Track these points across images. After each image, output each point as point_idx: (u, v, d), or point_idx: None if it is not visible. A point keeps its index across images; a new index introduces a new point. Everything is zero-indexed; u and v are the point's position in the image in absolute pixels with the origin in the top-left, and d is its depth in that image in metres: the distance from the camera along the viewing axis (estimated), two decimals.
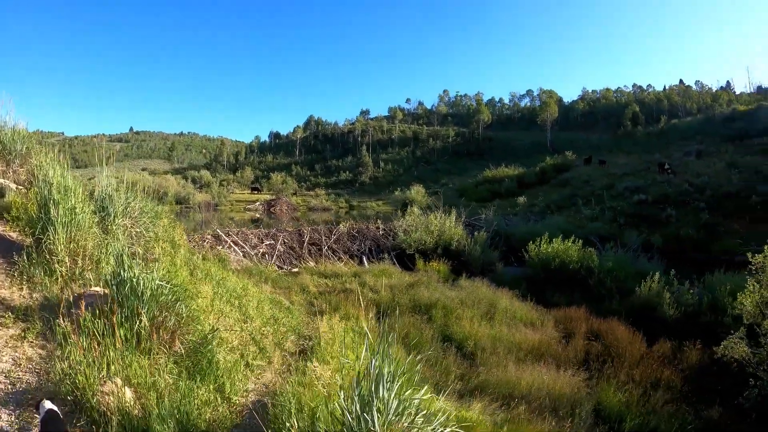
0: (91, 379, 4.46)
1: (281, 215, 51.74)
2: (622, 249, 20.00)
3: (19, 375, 4.59)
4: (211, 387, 5.32)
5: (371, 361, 4.10)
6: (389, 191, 71.58)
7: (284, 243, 19.52)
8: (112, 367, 4.73)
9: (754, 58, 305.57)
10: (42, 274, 6.25)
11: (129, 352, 5.00)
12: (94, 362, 4.72)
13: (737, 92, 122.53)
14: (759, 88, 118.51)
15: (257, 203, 61.44)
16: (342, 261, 19.24)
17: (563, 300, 14.14)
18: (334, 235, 21.30)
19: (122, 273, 5.55)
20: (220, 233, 18.15)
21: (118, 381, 4.59)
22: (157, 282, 5.68)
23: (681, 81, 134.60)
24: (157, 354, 5.33)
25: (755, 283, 9.54)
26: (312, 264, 18.17)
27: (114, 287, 5.47)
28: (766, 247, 9.45)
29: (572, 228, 24.90)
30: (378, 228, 23.32)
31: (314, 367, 6.18)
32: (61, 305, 5.17)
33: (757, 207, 29.57)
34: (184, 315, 5.95)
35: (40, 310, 5.48)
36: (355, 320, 9.77)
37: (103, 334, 4.98)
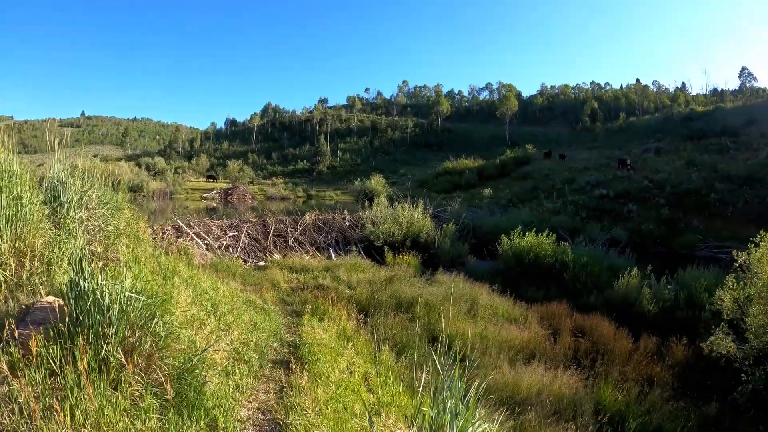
0: None
1: (238, 204, 50.67)
2: (590, 243, 20.16)
3: None
4: (202, 423, 4.27)
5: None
6: (347, 181, 71.08)
7: (248, 234, 18.84)
8: (77, 414, 3.48)
9: (709, 60, 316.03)
10: None
11: (97, 390, 3.71)
12: (50, 411, 3.48)
13: (693, 93, 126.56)
14: (714, 90, 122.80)
15: (214, 191, 60.05)
16: (309, 254, 18.72)
17: (540, 295, 14.08)
18: (300, 226, 20.69)
19: (82, 283, 4.39)
20: (182, 224, 17.33)
21: None
22: (127, 294, 4.51)
23: (638, 80, 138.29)
24: (131, 386, 4.13)
25: (733, 280, 9.69)
26: (278, 257, 17.60)
27: (72, 301, 4.33)
28: (750, 246, 9.55)
29: (536, 221, 25.06)
30: (344, 219, 22.77)
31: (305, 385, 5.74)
32: (5, 324, 3.99)
33: (715, 204, 30.49)
34: (162, 333, 4.82)
35: None
36: (336, 321, 9.43)
37: (61, 364, 3.77)
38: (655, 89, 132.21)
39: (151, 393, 4.14)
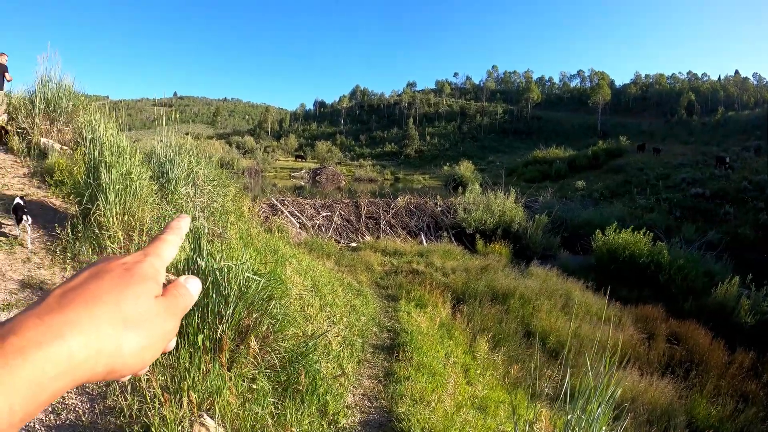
0: (172, 423, 3.15)
1: (327, 184, 51.25)
2: (686, 245, 19.38)
3: (64, 402, 3.35)
4: (314, 408, 4.22)
5: None
6: (435, 165, 70.74)
7: (341, 215, 19.11)
8: (193, 397, 3.39)
9: None
10: (89, 251, 5.35)
11: (213, 370, 3.70)
12: (169, 390, 3.48)
13: None
14: None
15: (302, 171, 60.84)
16: (400, 237, 18.91)
17: (633, 295, 13.66)
18: (392, 209, 20.88)
19: (200, 261, 4.42)
20: (276, 203, 17.70)
21: (209, 422, 3.34)
22: (247, 275, 4.48)
23: (737, 72, 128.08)
24: (245, 367, 4.15)
25: None
26: (370, 239, 17.85)
27: None
28: None
29: (629, 217, 24.25)
30: (436, 204, 22.80)
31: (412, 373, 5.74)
32: None
33: None
34: (279, 316, 4.84)
35: None
36: (434, 308, 9.58)
37: (177, 344, 3.73)
38: (755, 82, 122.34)
39: (264, 376, 4.15)
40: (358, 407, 4.90)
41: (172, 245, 0.59)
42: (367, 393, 5.30)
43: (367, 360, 6.31)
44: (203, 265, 4.34)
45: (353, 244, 16.83)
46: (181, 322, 2.39)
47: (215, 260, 4.43)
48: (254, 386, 3.94)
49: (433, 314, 9.11)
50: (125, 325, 0.47)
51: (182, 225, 0.63)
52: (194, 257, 4.47)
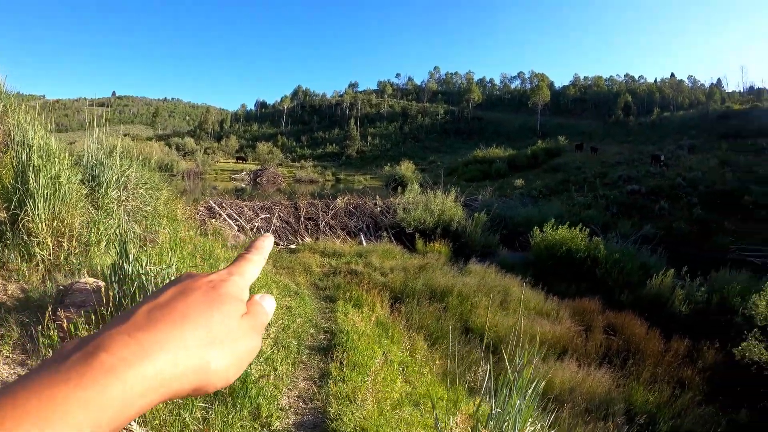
0: None
1: (268, 186, 51.04)
2: (622, 240, 19.99)
3: None
4: (246, 412, 4.32)
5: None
6: (376, 166, 71.30)
7: (280, 217, 18.84)
8: None
9: (747, 58, 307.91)
10: (18, 259, 5.17)
11: None
12: None
13: (729, 90, 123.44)
14: (751, 88, 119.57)
15: (243, 173, 60.54)
16: (340, 238, 18.69)
17: (571, 290, 13.97)
18: (332, 210, 20.67)
19: (126, 266, 4.45)
20: (214, 205, 17.41)
21: (135, 428, 3.47)
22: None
23: (673, 75, 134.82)
24: None
25: None
26: (309, 240, 17.61)
27: (115, 284, 4.40)
28: None
29: (567, 214, 24.89)
30: (376, 204, 22.70)
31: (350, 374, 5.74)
32: (48, 307, 4.10)
33: (749, 206, 29.79)
34: None
35: (16, 310, 4.33)
36: (371, 308, 9.53)
37: None
38: (690, 85, 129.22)
39: None
40: (292, 409, 4.96)
41: (255, 265, 0.62)
42: (302, 394, 5.31)
43: (303, 361, 6.29)
44: (130, 270, 4.40)
45: (292, 246, 16.62)
46: None
47: (141, 265, 4.48)
48: None
49: (371, 314, 9.02)
50: (213, 344, 0.48)
51: (266, 245, 0.66)
52: (120, 262, 4.50)
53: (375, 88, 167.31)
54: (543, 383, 4.39)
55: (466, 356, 8.08)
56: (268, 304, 0.59)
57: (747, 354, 8.86)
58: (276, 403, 4.81)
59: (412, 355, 7.51)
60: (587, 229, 17.04)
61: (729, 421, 7.47)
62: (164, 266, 4.62)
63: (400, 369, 6.61)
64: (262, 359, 5.50)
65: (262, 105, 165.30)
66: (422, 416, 5.15)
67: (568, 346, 9.44)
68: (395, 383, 5.89)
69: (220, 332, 0.49)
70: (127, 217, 7.00)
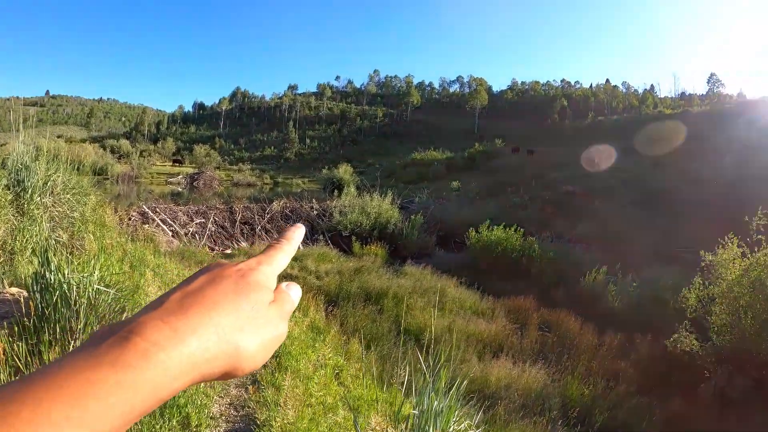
0: None
1: (204, 190, 50.11)
2: (557, 239, 20.44)
3: None
4: (175, 422, 4.22)
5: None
6: (315, 169, 71.06)
7: (215, 222, 18.60)
8: None
9: (679, 65, 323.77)
10: None
11: None
12: None
13: (662, 96, 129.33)
14: (683, 94, 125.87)
15: (179, 176, 59.39)
16: None
17: (507, 289, 14.13)
18: (268, 214, 20.55)
19: (48, 275, 4.31)
20: (147, 210, 17.02)
21: None
22: (96, 287, 4.47)
23: (608, 80, 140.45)
24: None
25: (699, 280, 9.96)
26: (245, 245, 17.51)
27: (37, 294, 4.24)
28: (718, 248, 9.78)
29: (503, 215, 25.31)
30: (312, 207, 22.60)
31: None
32: None
33: (680, 205, 31.11)
34: None
35: None
36: (305, 312, 9.37)
37: (27, 361, 3.66)
38: (624, 90, 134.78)
39: None
40: (223, 417, 4.85)
41: (285, 253, 0.64)
42: (234, 402, 5.22)
43: None
44: (52, 279, 4.20)
45: (228, 251, 16.58)
46: (33, 340, 3.27)
47: (63, 274, 4.28)
48: None
49: (306, 318, 8.85)
50: (242, 329, 0.50)
51: (296, 235, 0.67)
52: (42, 271, 4.31)
53: (314, 90, 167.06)
54: (465, 382, 4.43)
55: (402, 357, 7.98)
56: (294, 292, 0.61)
57: (679, 345, 9.14)
58: (206, 411, 4.69)
59: (348, 358, 7.41)
60: (522, 230, 17.34)
61: (663, 410, 7.62)
62: (86, 274, 4.40)
63: (335, 372, 6.52)
64: None
65: (200, 106, 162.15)
66: (357, 418, 4.98)
67: (503, 343, 9.51)
68: (329, 387, 5.82)
69: (249, 319, 0.50)
70: (51, 224, 6.68)
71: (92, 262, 5.02)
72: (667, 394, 8.29)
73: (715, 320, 9.02)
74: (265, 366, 6.03)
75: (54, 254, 4.66)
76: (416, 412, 3.84)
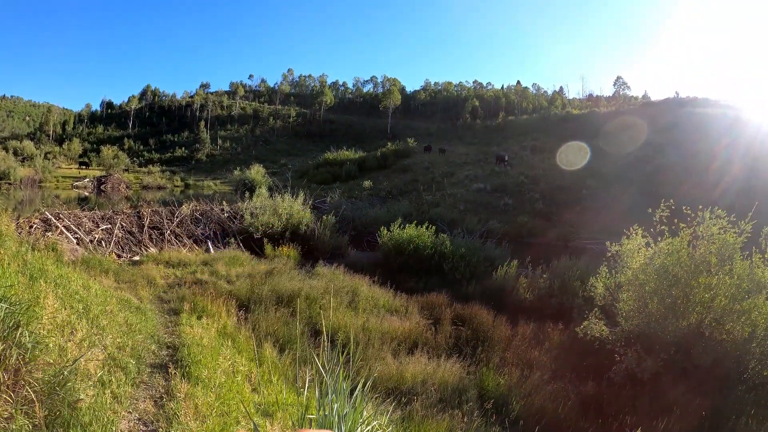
0: None
1: (112, 193, 48.08)
2: (468, 235, 20.84)
3: None
4: None
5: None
6: (227, 170, 69.40)
7: (122, 227, 17.69)
8: None
9: (587, 68, 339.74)
10: None
11: None
12: None
13: (570, 97, 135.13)
14: (590, 95, 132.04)
15: (86, 180, 56.32)
16: (186, 246, 17.94)
17: (420, 285, 14.34)
18: (177, 217, 19.74)
19: None
20: (50, 217, 15.98)
21: None
22: None
23: (519, 82, 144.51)
24: None
25: (606, 270, 10.42)
26: (154, 250, 16.74)
27: None
28: (624, 239, 10.19)
29: (416, 213, 25.61)
30: (223, 210, 22.03)
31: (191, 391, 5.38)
32: None
33: (586, 199, 32.69)
34: (29, 345, 4.34)
35: None
36: (216, 318, 9.07)
37: None
38: (534, 91, 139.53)
39: (21, 412, 3.69)
40: None
41: None
42: (143, 417, 4.98)
43: (144, 381, 5.89)
44: None
45: (136, 258, 15.77)
46: None
47: None
48: (13, 426, 3.55)
49: (217, 325, 8.61)
50: None
51: None
52: None
53: (227, 89, 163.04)
54: (371, 381, 4.27)
55: (316, 359, 7.80)
56: None
57: (589, 332, 9.50)
58: (113, 429, 4.43)
59: (261, 362, 7.26)
60: (434, 227, 17.53)
61: (577, 393, 7.82)
62: None
63: (247, 379, 6.36)
64: (92, 382, 4.96)
65: (108, 105, 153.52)
66: (272, 424, 5.06)
67: (418, 339, 9.52)
68: (242, 394, 5.69)
69: None
70: None
71: None
72: (580, 378, 8.55)
73: (622, 306, 9.43)
74: (172, 376, 5.89)
75: None
76: (313, 416, 3.69)
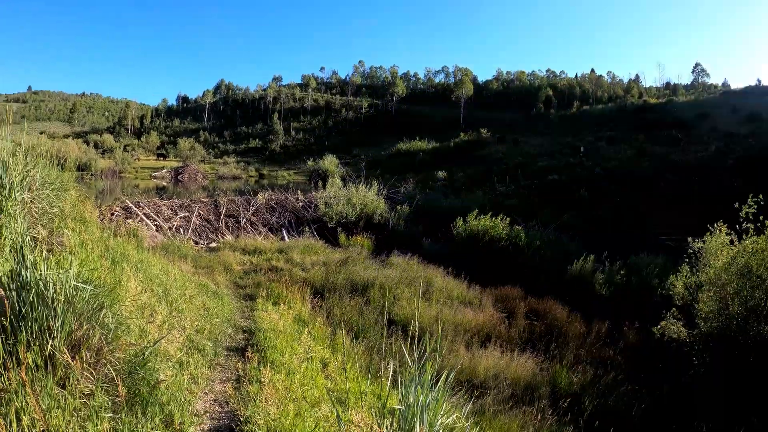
0: None
1: (189, 183, 49.89)
2: (543, 228, 20.44)
3: None
4: (158, 420, 3.96)
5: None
6: (300, 161, 70.51)
7: (199, 215, 18.52)
8: (24, 418, 3.07)
9: (664, 54, 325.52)
10: None
11: (44, 390, 3.36)
12: None
13: (647, 85, 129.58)
14: (667, 83, 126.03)
15: (164, 170, 58.90)
16: (261, 234, 18.50)
17: (494, 278, 14.10)
18: (252, 206, 20.46)
19: (24, 272, 3.98)
20: (131, 205, 16.89)
21: None
22: (73, 283, 4.14)
23: (593, 70, 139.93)
24: (80, 384, 3.74)
25: (687, 268, 9.97)
26: (230, 238, 17.35)
27: (14, 293, 3.90)
28: (707, 235, 9.77)
29: (489, 204, 25.31)
30: (297, 199, 22.51)
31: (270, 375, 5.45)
32: None
33: (664, 193, 31.32)
34: (111, 325, 4.45)
35: None
36: (291, 305, 9.27)
37: (4, 362, 3.38)
38: (609, 80, 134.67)
39: (102, 390, 3.80)
40: (208, 414, 4.76)
41: None
42: (219, 398, 5.14)
43: (220, 363, 6.10)
44: (28, 277, 3.91)
45: (213, 245, 16.39)
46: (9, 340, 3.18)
47: (39, 271, 4.00)
48: (94, 402, 3.60)
49: (291, 311, 8.80)
50: None
51: None
52: (18, 269, 3.99)
53: (299, 81, 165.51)
54: (453, 374, 4.20)
55: (389, 348, 7.88)
56: None
57: (666, 332, 9.15)
58: (190, 408, 4.54)
59: (334, 350, 7.32)
60: (508, 218, 17.28)
61: (651, 396, 7.61)
62: (62, 271, 4.14)
63: (321, 365, 6.44)
64: (171, 363, 5.12)
65: (183, 99, 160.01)
66: (344, 412, 4.95)
67: (491, 333, 9.47)
68: (316, 380, 5.74)
69: None
70: (30, 220, 6.31)
71: (69, 258, 4.82)
72: (655, 380, 8.26)
73: (702, 307, 9.00)
74: (249, 360, 6.03)
75: (31, 251, 4.41)
76: (401, 407, 3.73)
